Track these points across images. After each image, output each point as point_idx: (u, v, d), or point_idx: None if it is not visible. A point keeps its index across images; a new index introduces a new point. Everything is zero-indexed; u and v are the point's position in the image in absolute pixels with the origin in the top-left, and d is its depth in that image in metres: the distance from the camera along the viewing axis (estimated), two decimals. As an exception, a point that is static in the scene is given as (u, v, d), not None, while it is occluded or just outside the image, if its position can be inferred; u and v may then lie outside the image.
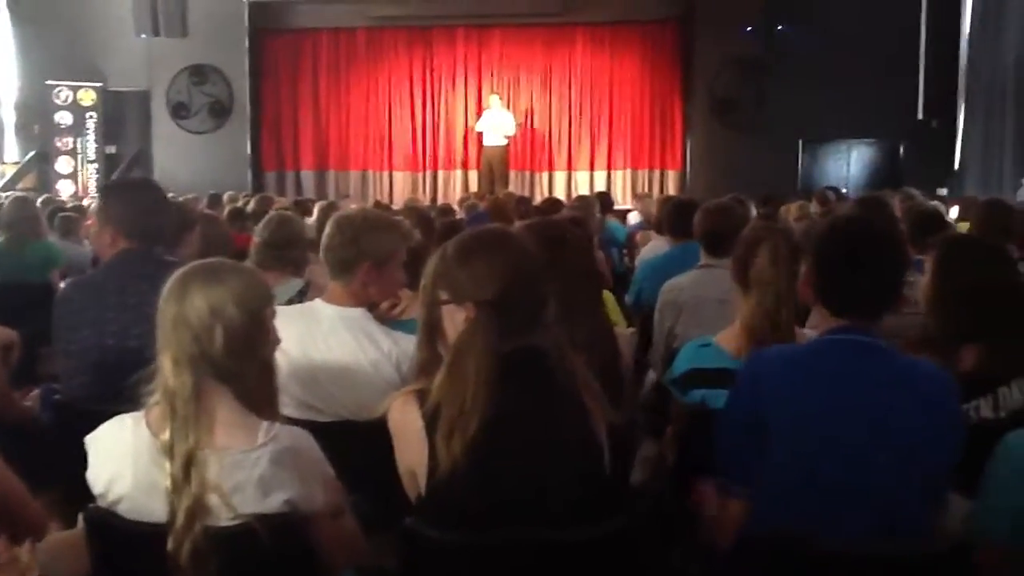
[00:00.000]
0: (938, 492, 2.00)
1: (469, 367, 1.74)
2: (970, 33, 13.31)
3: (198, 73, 14.40)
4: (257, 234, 3.68)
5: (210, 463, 1.72)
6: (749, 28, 12.95)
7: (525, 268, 1.85)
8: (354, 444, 2.18)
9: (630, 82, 14.79)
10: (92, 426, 2.54)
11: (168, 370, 1.77)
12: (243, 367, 1.82)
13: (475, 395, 1.73)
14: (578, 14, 14.59)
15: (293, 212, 5.79)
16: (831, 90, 13.36)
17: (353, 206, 4.04)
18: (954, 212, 7.24)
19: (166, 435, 1.73)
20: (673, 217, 4.63)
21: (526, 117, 14.85)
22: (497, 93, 14.40)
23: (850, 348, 1.99)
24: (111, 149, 14.39)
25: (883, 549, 1.90)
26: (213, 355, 1.78)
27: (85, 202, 9.92)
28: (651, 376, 4.00)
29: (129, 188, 2.79)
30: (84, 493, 2.69)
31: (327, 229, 2.64)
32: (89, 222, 7.75)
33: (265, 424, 1.81)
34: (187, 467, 1.70)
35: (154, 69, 14.30)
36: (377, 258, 2.59)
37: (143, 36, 13.36)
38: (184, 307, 1.79)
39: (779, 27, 13.30)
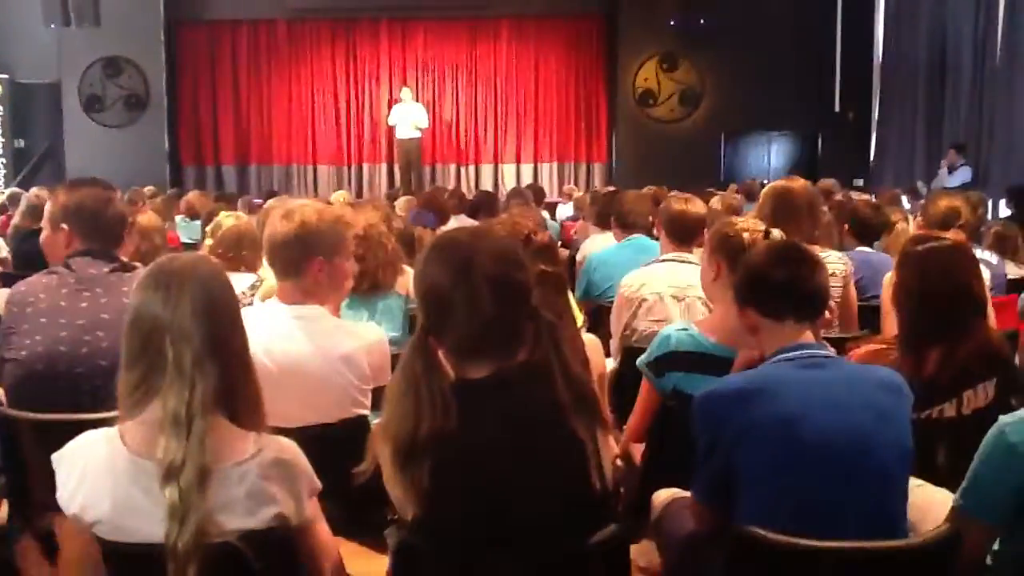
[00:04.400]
0: (902, 484, 2.05)
1: (423, 396, 1.63)
2: (884, 26, 13.69)
3: (112, 65, 13.94)
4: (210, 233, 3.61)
5: (210, 481, 1.61)
6: (673, 22, 13.09)
7: (508, 284, 1.67)
8: (320, 449, 2.09)
9: (556, 76, 14.85)
10: (40, 436, 2.43)
11: (171, 384, 1.63)
12: (231, 373, 1.70)
13: (432, 426, 1.61)
14: (502, 8, 14.59)
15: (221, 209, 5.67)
16: (752, 83, 13.65)
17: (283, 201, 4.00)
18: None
19: (163, 455, 1.59)
20: (621, 211, 4.64)
21: (453, 110, 14.79)
22: (409, 86, 14.24)
23: (802, 363, 2.05)
24: (20, 143, 13.87)
25: (870, 544, 1.92)
26: (216, 362, 1.66)
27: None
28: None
29: (87, 187, 2.64)
30: (29, 501, 2.58)
31: (268, 230, 2.54)
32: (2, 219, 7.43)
33: (252, 435, 1.71)
34: (196, 488, 1.57)
35: (65, 61, 13.81)
36: (326, 252, 2.52)
37: (52, 26, 12.84)
38: (182, 313, 1.65)
39: (701, 20, 13.49)
